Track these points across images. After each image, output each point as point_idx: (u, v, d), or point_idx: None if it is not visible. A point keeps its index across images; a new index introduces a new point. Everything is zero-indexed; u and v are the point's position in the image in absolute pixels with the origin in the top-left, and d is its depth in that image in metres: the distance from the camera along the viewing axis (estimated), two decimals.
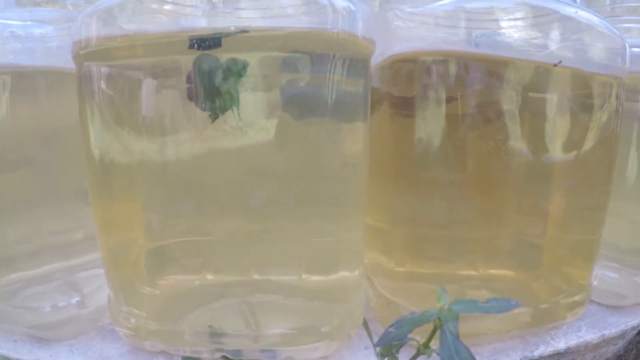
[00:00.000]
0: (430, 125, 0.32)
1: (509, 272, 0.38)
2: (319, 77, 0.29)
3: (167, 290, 0.35)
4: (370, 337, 0.34)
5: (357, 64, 0.29)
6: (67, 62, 0.31)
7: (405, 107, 0.32)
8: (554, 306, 0.37)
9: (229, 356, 0.32)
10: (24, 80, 0.34)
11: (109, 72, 0.30)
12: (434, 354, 0.29)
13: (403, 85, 0.32)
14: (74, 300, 0.36)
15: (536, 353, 0.35)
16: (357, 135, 0.31)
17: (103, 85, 0.30)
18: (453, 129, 0.32)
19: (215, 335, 0.33)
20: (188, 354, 0.34)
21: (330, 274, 0.34)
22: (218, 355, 0.33)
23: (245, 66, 0.28)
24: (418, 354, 0.30)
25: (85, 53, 0.30)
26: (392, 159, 0.34)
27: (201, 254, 0.35)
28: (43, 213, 0.37)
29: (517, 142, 0.33)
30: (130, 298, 0.34)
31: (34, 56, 0.35)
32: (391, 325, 0.28)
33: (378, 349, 0.30)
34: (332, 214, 0.33)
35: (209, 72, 0.28)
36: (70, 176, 0.36)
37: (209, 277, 0.35)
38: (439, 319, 0.28)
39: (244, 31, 0.28)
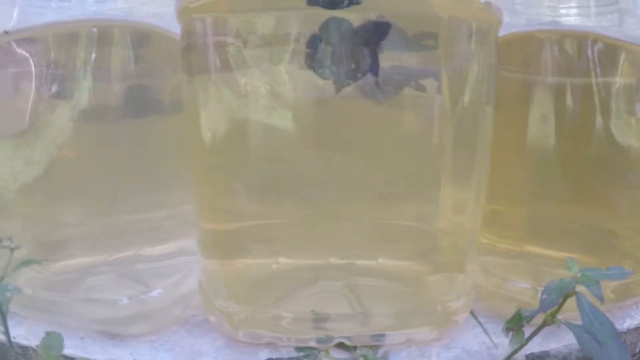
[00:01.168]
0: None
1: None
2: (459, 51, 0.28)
3: (255, 274, 0.33)
4: (475, 317, 0.33)
5: (490, 35, 0.29)
6: None
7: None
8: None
9: (346, 342, 0.30)
10: None
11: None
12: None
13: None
14: (155, 292, 0.33)
15: (624, 326, 0.36)
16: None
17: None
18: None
19: (319, 320, 0.31)
20: (293, 343, 0.31)
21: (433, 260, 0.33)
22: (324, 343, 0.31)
23: (388, 28, 0.26)
24: (544, 325, 0.29)
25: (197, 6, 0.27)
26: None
27: (291, 236, 0.33)
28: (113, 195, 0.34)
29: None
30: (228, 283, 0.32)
31: None
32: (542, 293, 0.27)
33: (504, 323, 0.30)
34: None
35: (342, 35, 0.27)
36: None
37: (298, 260, 0.33)
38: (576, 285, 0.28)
39: None
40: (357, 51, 0.27)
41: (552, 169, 0.34)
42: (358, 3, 0.26)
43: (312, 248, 0.33)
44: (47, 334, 0.28)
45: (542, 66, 0.33)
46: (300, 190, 0.32)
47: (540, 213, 0.34)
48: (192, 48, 0.29)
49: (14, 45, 0.32)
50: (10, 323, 0.35)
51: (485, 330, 0.32)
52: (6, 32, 0.30)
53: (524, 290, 0.32)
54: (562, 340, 0.31)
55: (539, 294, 0.29)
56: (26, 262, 0.29)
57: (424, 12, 0.28)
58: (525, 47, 0.34)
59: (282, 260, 0.33)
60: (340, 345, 0.31)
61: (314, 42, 0.27)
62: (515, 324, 0.29)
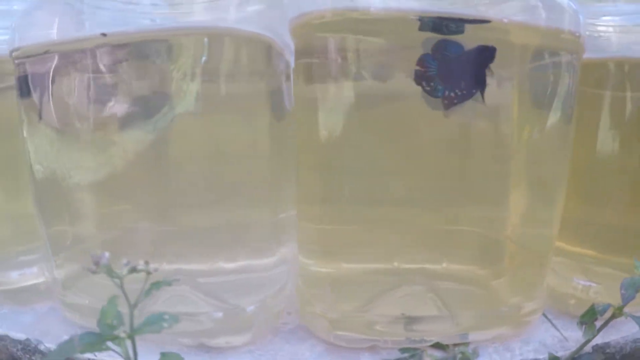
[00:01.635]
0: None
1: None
2: (545, 73, 0.31)
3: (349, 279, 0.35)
4: (545, 316, 0.37)
5: (575, 62, 0.33)
6: None
7: None
8: None
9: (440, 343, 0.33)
10: None
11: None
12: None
13: None
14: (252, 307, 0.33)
15: None
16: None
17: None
18: None
19: (410, 322, 0.34)
20: (390, 346, 0.33)
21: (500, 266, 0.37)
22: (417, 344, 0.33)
23: (494, 52, 0.29)
24: (612, 317, 0.33)
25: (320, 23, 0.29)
26: None
27: (377, 240, 0.35)
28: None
29: None
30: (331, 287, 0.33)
31: None
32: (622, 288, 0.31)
33: (579, 317, 0.34)
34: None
35: (454, 57, 0.29)
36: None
37: (382, 265, 0.36)
38: None
39: (485, 20, 0.30)
40: (467, 71, 0.30)
41: (602, 180, 0.38)
42: (462, 32, 0.29)
43: (393, 253, 0.35)
44: (163, 354, 0.28)
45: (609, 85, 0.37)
46: (388, 196, 0.34)
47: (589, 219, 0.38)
48: (312, 58, 0.31)
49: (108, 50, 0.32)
50: None
51: (555, 326, 0.35)
52: (104, 35, 0.30)
53: (586, 288, 0.36)
54: (620, 332, 0.35)
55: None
56: (157, 284, 0.28)
57: (511, 42, 0.32)
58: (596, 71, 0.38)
59: (369, 265, 0.35)
60: (436, 345, 0.33)
61: (425, 61, 0.30)
62: (589, 318, 0.33)
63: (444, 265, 0.36)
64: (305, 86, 0.32)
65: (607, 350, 0.34)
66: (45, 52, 0.33)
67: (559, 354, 0.33)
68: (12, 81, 0.37)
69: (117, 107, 0.32)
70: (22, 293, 0.42)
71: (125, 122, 0.33)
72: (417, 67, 0.30)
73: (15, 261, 0.43)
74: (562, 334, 0.35)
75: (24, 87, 0.35)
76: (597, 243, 0.38)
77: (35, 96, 0.34)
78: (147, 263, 0.24)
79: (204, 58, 0.31)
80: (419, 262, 0.36)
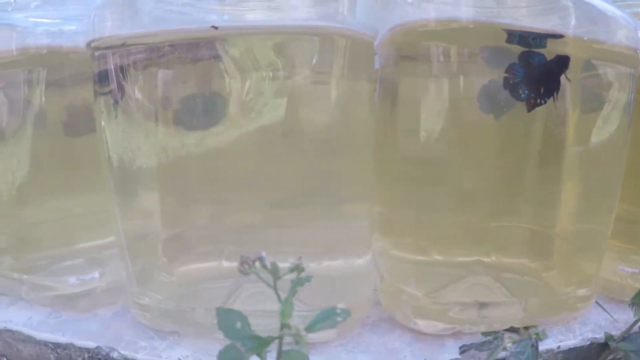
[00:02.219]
0: None
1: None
2: (601, 82, 0.35)
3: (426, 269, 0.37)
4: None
5: (633, 73, 0.37)
6: None
7: None
8: None
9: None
10: None
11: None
12: None
13: None
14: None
15: None
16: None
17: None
18: None
19: (484, 308, 0.36)
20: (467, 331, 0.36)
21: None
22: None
23: (568, 62, 0.33)
24: None
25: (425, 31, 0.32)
26: None
27: (451, 236, 0.38)
28: None
29: None
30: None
31: None
32: None
33: (630, 299, 0.38)
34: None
35: (538, 66, 0.33)
36: None
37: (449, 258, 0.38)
38: None
39: (560, 35, 0.33)
40: (547, 78, 0.33)
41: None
42: (544, 47, 0.33)
43: (459, 246, 0.38)
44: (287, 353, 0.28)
45: None
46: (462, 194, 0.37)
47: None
48: (414, 60, 0.34)
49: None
50: (162, 343, 0.35)
51: (606, 310, 0.39)
52: (215, 27, 0.31)
53: (630, 274, 0.41)
54: None
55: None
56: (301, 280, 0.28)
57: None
58: None
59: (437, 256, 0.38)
60: (511, 329, 0.36)
61: (512, 69, 0.33)
62: (638, 300, 0.37)
63: (502, 258, 0.39)
64: (406, 86, 0.34)
65: None
66: (123, 45, 0.33)
67: (612, 333, 0.37)
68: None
69: (204, 100, 0.33)
70: (80, 298, 0.41)
71: (214, 115, 0.34)
72: (505, 74, 0.33)
73: (72, 265, 0.42)
74: (612, 317, 0.39)
75: (103, 78, 0.35)
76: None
77: (114, 87, 0.34)
78: (300, 259, 0.24)
79: (315, 58, 0.32)
80: (481, 255, 0.39)
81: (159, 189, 0.37)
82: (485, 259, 0.39)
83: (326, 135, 0.34)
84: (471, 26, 0.32)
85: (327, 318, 0.24)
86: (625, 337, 0.37)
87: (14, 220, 0.42)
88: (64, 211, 0.42)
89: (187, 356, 0.35)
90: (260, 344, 0.23)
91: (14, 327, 0.39)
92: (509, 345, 0.35)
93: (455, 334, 0.36)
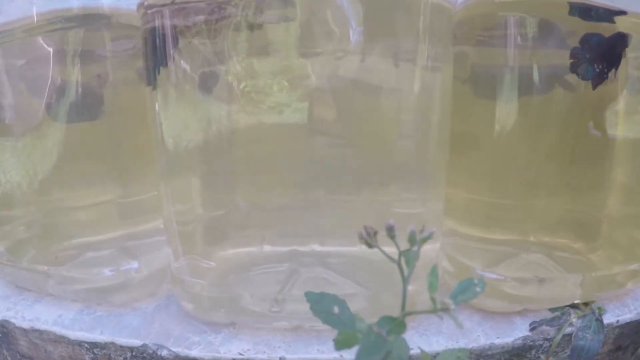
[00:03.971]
0: None
1: None
2: None
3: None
4: None
5: None
6: None
7: None
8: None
9: None
10: None
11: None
12: None
13: None
14: None
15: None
16: None
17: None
18: None
19: (542, 282, 0.36)
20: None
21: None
22: None
23: (629, 38, 0.33)
24: None
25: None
26: None
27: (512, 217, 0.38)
28: None
29: None
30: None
31: None
32: None
33: None
34: None
35: (597, 45, 0.33)
36: None
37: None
38: None
39: (623, 12, 0.34)
40: (608, 55, 0.34)
41: None
42: (613, 22, 0.33)
43: (513, 227, 0.38)
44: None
45: None
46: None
47: None
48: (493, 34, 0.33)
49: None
50: (217, 337, 0.34)
51: None
52: None
53: None
54: None
55: None
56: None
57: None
58: None
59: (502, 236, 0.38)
60: (573, 306, 0.36)
61: (576, 53, 0.33)
62: None
63: (552, 238, 0.39)
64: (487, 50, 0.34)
65: None
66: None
67: None
68: None
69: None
70: (117, 291, 0.37)
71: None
72: (571, 60, 0.33)
73: (103, 255, 0.39)
74: None
75: (157, 43, 0.32)
76: None
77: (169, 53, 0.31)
78: (421, 231, 0.23)
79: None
80: (532, 234, 0.39)
81: (203, 169, 0.34)
82: (534, 238, 0.39)
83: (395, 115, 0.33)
84: None
85: (466, 289, 0.22)
86: None
87: (37, 207, 0.39)
88: (92, 198, 0.39)
89: (249, 350, 0.32)
90: (397, 325, 0.22)
91: (43, 327, 0.36)
92: (575, 320, 0.35)
93: (521, 312, 0.35)
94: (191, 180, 0.35)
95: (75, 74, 0.36)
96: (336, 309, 0.24)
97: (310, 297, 0.25)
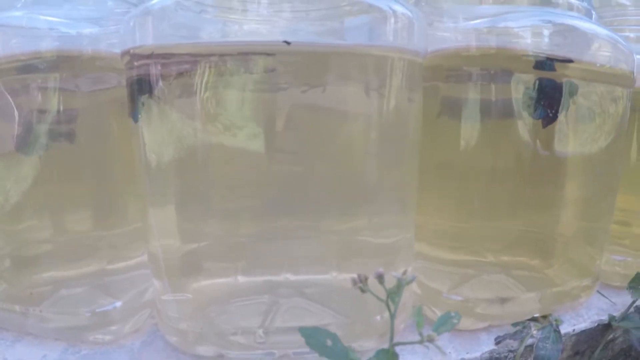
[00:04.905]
0: None
1: None
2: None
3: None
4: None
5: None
6: None
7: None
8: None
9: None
10: None
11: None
12: None
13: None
14: None
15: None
16: None
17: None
18: None
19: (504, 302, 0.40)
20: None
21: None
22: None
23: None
24: None
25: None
26: None
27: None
28: None
29: None
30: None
31: None
32: None
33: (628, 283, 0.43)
34: None
35: (551, 89, 0.37)
36: None
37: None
38: None
39: (570, 60, 0.37)
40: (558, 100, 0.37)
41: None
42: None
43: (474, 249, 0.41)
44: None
45: None
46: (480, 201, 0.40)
47: None
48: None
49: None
50: None
51: (604, 295, 0.44)
52: (288, 43, 0.30)
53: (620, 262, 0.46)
54: None
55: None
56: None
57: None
58: None
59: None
60: (533, 319, 0.39)
61: (528, 97, 0.37)
62: (636, 283, 0.42)
63: (510, 257, 0.43)
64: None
65: None
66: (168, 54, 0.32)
67: (614, 314, 0.42)
68: None
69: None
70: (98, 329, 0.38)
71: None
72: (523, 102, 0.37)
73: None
74: (611, 301, 0.44)
75: (144, 84, 0.33)
76: None
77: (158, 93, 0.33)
78: (405, 272, 0.26)
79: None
80: (492, 255, 0.42)
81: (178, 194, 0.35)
82: (494, 259, 0.42)
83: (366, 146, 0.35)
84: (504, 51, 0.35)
85: (446, 321, 0.25)
86: (625, 316, 0.42)
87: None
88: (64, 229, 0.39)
89: None
90: (391, 356, 0.24)
91: None
92: (535, 332, 0.38)
93: (486, 328, 0.38)
94: (170, 207, 0.36)
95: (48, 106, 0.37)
96: (329, 342, 0.26)
97: (304, 332, 0.27)
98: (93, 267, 0.40)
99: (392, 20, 0.32)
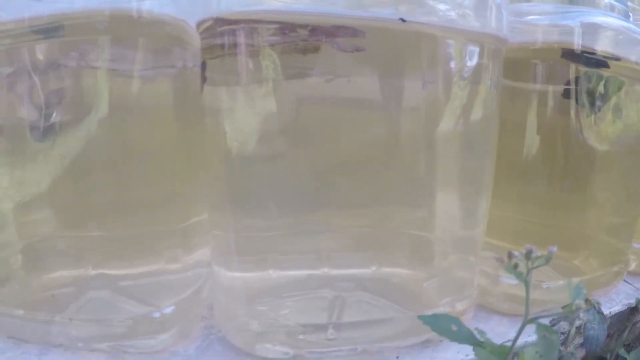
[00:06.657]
0: None
1: None
2: None
3: None
4: None
5: None
6: None
7: None
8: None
9: None
10: None
11: None
12: None
13: None
14: None
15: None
16: None
17: None
18: None
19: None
20: None
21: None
22: None
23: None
24: None
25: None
26: None
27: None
28: None
29: None
30: None
31: None
32: None
33: None
34: None
35: (595, 81, 0.39)
36: None
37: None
38: None
39: (617, 58, 0.40)
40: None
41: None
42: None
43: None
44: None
45: None
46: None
47: None
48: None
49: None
50: None
51: (628, 282, 0.47)
52: (403, 20, 0.30)
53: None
54: None
55: None
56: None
57: None
58: None
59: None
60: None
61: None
62: None
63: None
64: None
65: None
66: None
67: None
68: None
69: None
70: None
71: None
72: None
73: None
74: (634, 286, 0.47)
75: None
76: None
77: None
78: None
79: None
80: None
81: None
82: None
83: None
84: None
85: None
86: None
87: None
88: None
89: None
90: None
91: None
92: (581, 314, 0.40)
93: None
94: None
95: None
96: (454, 327, 0.26)
97: (426, 320, 0.27)
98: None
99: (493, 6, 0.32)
